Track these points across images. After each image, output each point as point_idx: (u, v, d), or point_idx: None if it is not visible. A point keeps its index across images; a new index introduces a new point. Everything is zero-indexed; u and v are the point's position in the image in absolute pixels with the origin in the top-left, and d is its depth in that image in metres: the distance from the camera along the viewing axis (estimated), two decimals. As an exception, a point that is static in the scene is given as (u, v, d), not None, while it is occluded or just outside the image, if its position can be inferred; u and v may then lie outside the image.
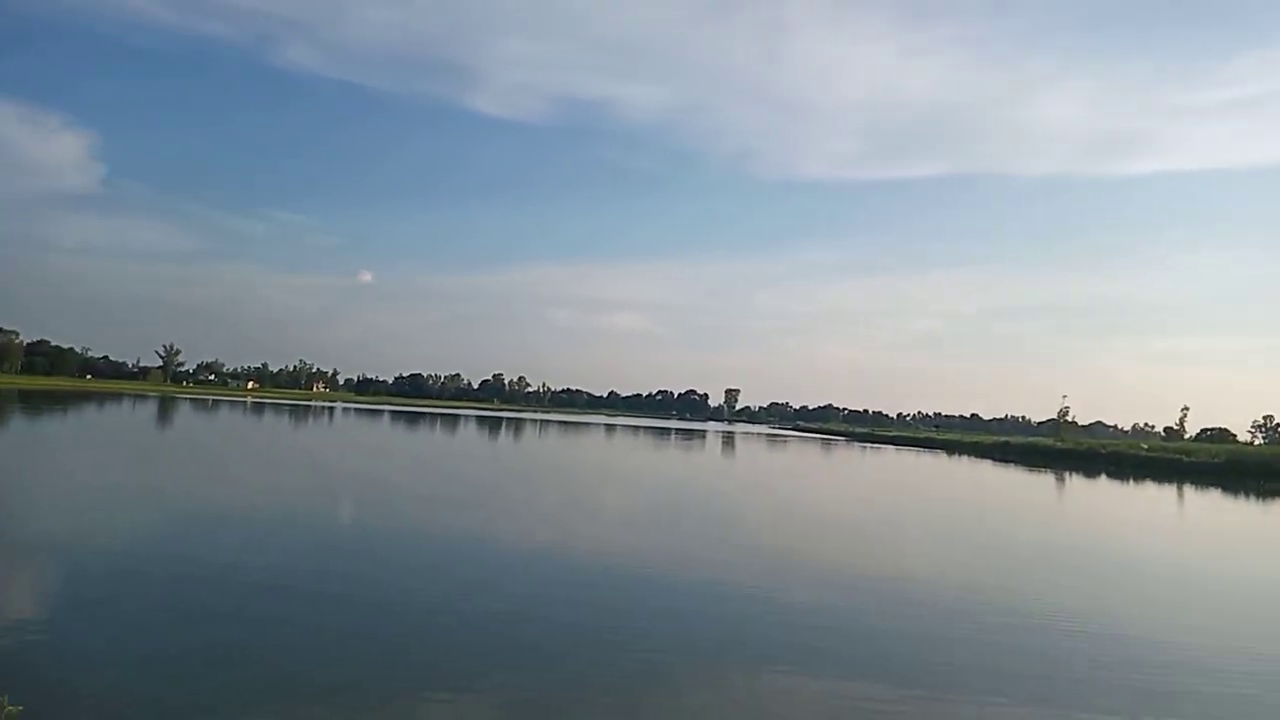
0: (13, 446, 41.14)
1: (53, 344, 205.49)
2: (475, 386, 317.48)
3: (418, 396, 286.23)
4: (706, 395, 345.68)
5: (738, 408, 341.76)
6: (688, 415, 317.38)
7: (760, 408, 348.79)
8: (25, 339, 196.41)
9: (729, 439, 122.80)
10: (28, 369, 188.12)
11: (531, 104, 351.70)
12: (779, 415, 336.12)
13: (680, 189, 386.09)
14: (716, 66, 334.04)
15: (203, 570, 15.16)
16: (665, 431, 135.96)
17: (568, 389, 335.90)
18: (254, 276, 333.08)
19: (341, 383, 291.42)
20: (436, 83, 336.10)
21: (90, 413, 77.39)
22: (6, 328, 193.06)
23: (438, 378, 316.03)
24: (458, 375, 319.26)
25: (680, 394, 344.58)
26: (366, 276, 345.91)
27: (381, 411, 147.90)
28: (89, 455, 38.91)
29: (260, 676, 9.85)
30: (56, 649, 10.31)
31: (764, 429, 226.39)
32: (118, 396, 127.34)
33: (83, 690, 9.00)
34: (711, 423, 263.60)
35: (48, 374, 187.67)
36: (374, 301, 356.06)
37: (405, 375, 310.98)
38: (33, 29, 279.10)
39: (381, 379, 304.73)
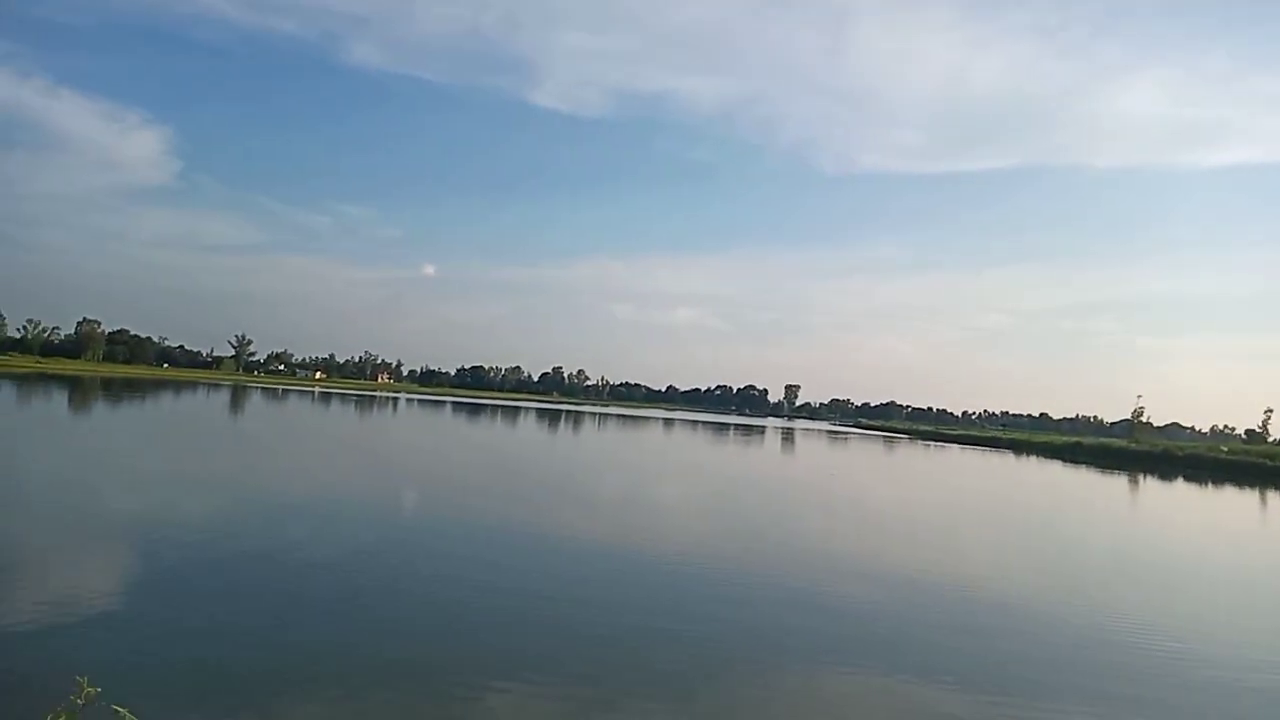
0: (96, 431, 42.86)
1: (132, 333, 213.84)
2: (535, 379, 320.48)
3: (479, 388, 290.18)
4: (766, 391, 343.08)
5: (798, 404, 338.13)
6: (747, 411, 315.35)
7: (821, 404, 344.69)
8: (106, 328, 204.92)
9: (789, 435, 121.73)
10: (108, 358, 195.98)
11: (592, 97, 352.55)
12: (840, 412, 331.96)
13: (740, 181, 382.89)
14: (777, 57, 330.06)
15: (277, 553, 15.52)
16: (724, 427, 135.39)
17: (626, 383, 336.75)
18: (321, 269, 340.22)
19: (405, 374, 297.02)
20: (498, 77, 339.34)
21: (169, 401, 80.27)
22: (90, 318, 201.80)
23: (498, 370, 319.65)
24: (518, 368, 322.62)
25: (739, 389, 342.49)
26: (429, 269, 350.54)
27: (444, 403, 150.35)
28: (168, 441, 40.32)
29: (331, 658, 9.98)
30: (133, 629, 10.60)
31: (825, 426, 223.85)
32: (193, 385, 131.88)
33: (158, 670, 9.24)
34: (771, 419, 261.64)
35: (127, 362, 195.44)
36: (437, 294, 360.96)
37: (467, 367, 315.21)
38: (115, 29, 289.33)
39: (444, 370, 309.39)
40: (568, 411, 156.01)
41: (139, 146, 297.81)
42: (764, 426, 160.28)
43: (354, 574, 14.51)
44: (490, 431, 73.58)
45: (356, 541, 17.55)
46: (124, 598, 12.14)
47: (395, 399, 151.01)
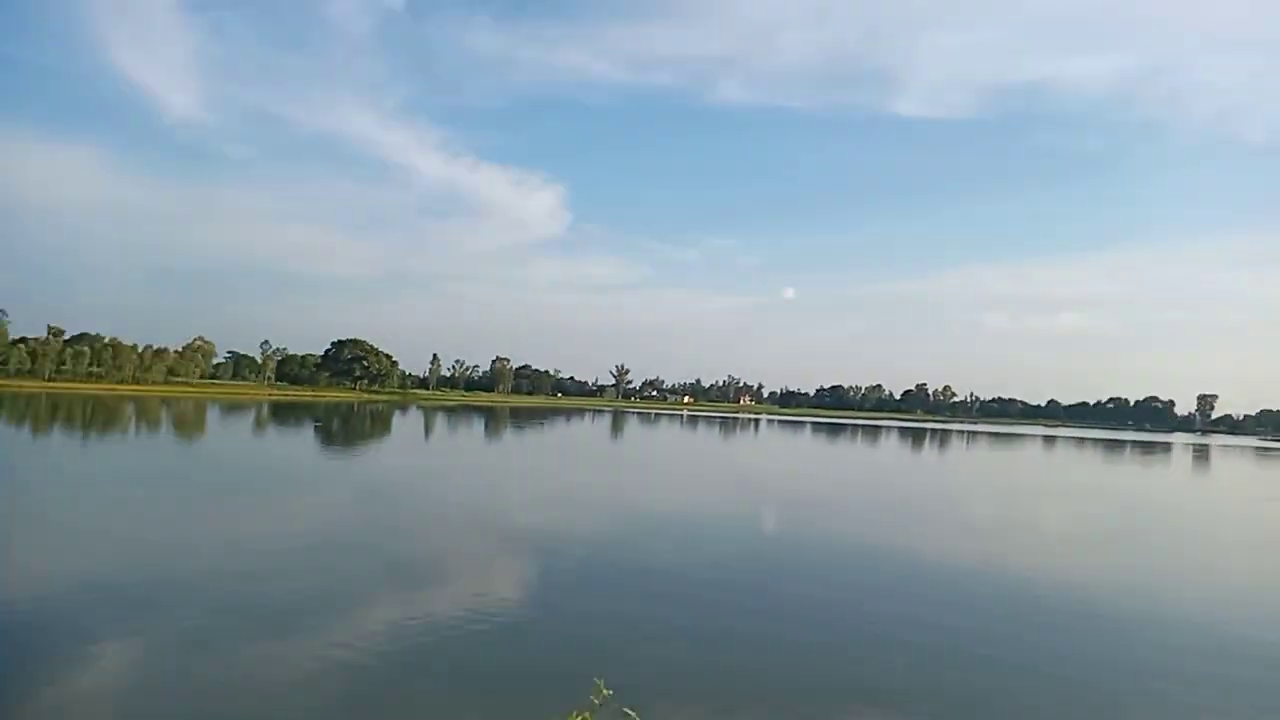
0: (531, 452, 49.99)
1: (533, 368, 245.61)
2: (897, 397, 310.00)
3: (838, 408, 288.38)
4: (1172, 402, 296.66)
5: (1214, 416, 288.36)
6: (1146, 426, 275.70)
7: (1246, 416, 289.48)
8: (513, 364, 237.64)
9: (1202, 452, 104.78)
10: (515, 389, 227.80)
11: (958, 99, 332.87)
12: (1272, 425, 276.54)
13: (1135, 167, 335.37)
14: (1185, 19, 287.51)
15: (655, 565, 17.32)
16: (1118, 444, 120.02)
17: (999, 398, 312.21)
18: (689, 300, 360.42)
19: (765, 395, 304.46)
20: (858, 93, 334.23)
21: (560, 425, 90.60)
22: (501, 356, 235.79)
23: (858, 389, 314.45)
24: (879, 386, 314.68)
25: (1137, 402, 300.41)
26: (789, 292, 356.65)
27: (803, 423, 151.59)
28: (584, 459, 45.93)
29: (699, 668, 11.12)
30: (640, 634, 12.62)
31: (1251, 441, 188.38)
32: (581, 412, 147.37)
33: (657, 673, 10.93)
34: (1178, 434, 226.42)
35: (529, 393, 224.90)
36: (796, 316, 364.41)
37: (826, 387, 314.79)
38: (521, 104, 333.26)
39: (803, 391, 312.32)
40: (933, 430, 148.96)
41: (539, 204, 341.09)
42: (1169, 444, 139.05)
43: (730, 591, 15.72)
44: (852, 452, 72.95)
45: (726, 560, 18.85)
46: (636, 600, 14.40)
47: (756, 420, 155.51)
